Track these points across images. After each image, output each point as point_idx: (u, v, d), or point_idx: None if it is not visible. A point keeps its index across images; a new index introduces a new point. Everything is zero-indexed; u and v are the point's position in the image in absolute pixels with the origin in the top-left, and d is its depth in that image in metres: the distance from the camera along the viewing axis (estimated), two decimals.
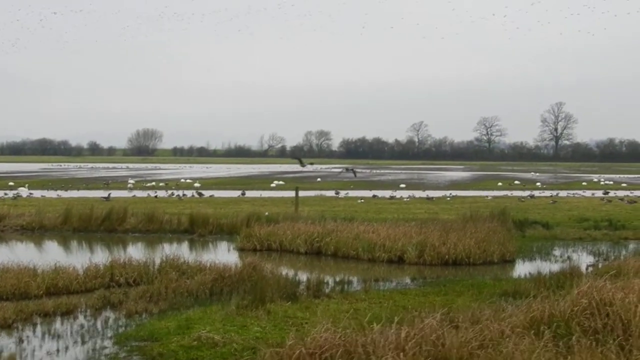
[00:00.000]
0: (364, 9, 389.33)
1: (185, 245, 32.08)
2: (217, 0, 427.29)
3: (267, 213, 37.74)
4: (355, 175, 48.26)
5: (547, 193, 68.88)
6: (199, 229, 35.30)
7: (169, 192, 64.13)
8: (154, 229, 35.99)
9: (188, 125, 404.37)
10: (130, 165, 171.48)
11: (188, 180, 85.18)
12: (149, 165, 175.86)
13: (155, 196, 58.83)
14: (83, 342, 15.14)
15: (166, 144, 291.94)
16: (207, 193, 61.04)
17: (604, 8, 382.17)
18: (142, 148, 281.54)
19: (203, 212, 38.44)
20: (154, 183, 78.42)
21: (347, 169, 41.17)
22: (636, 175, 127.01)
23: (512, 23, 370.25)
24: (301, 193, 47.09)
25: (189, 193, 61.03)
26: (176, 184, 78.14)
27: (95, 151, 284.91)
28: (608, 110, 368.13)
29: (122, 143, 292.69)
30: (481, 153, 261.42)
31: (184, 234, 35.31)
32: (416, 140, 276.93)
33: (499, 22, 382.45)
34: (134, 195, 59.51)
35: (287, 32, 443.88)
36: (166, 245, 31.49)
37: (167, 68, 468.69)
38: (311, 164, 48.42)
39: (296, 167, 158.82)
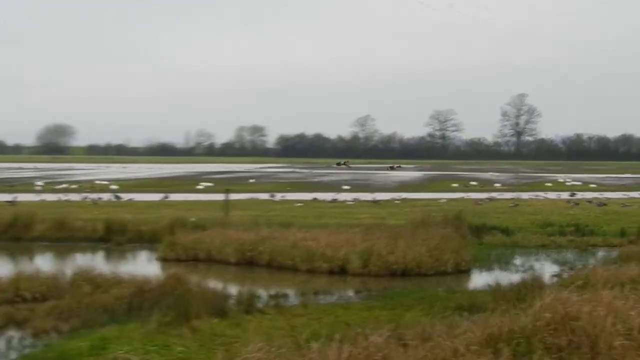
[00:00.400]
0: None
1: (100, 255, 31.88)
2: None
3: (193, 219, 37.60)
4: (394, 168, 48.89)
5: (508, 195, 69.27)
6: (115, 236, 35.05)
7: (83, 195, 63.50)
8: (65, 237, 35.62)
9: (105, 120, 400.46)
10: (39, 165, 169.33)
11: (104, 182, 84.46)
12: (61, 165, 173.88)
13: (67, 200, 58.25)
14: None
15: (80, 141, 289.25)
16: (125, 196, 60.51)
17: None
18: (53, 146, 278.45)
19: (121, 218, 38.18)
20: (65, 185, 77.66)
21: (391, 167, 42.43)
22: (606, 175, 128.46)
23: (467, 9, 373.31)
24: (232, 196, 47.02)
25: (105, 196, 60.49)
26: (91, 186, 77.32)
27: None
28: (575, 104, 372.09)
29: (30, 140, 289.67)
30: (434, 150, 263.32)
31: (99, 242, 34.99)
32: (361, 136, 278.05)
33: (453, 7, 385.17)
34: (43, 199, 58.76)
35: (217, 18, 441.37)
36: (79, 255, 31.29)
37: (80, 58, 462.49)
38: (345, 163, 50.21)
39: (226, 167, 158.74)
